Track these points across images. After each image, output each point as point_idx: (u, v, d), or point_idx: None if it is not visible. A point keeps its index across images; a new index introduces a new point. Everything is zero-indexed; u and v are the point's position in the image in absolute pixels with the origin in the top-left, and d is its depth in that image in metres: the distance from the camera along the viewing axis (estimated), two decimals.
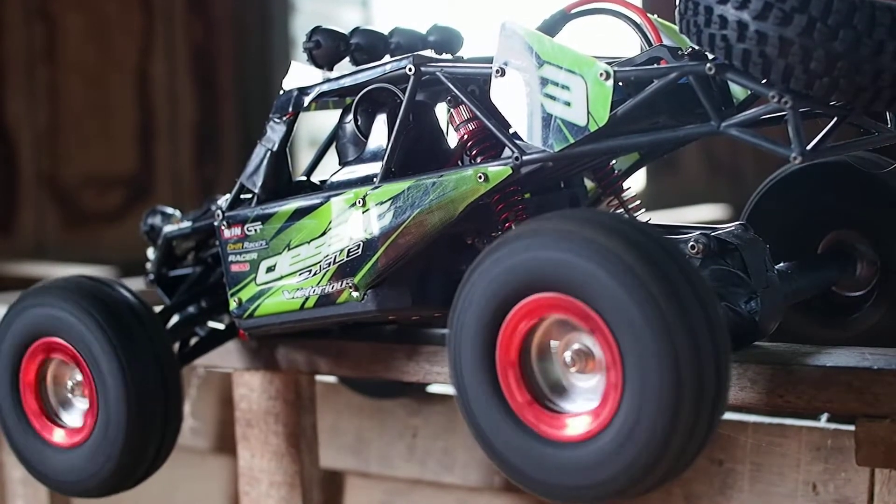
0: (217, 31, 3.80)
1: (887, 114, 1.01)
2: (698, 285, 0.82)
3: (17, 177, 3.39)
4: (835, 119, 0.95)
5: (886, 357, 0.97)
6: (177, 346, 1.27)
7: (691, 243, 1.00)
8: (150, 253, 1.32)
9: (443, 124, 1.12)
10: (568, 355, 0.87)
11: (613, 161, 1.12)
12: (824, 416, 1.15)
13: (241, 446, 1.34)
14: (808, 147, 0.88)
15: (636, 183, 4.01)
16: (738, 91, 1.00)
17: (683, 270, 0.82)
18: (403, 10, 4.20)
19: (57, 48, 3.45)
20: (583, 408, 0.87)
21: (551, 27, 1.07)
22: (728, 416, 1.21)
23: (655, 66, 0.95)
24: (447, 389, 1.36)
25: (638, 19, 1.05)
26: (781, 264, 1.08)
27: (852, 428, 1.01)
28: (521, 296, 0.86)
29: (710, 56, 0.91)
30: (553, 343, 0.89)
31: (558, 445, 0.86)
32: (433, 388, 1.42)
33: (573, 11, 1.08)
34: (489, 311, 0.88)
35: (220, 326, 1.29)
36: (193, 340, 1.30)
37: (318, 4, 3.98)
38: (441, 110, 1.12)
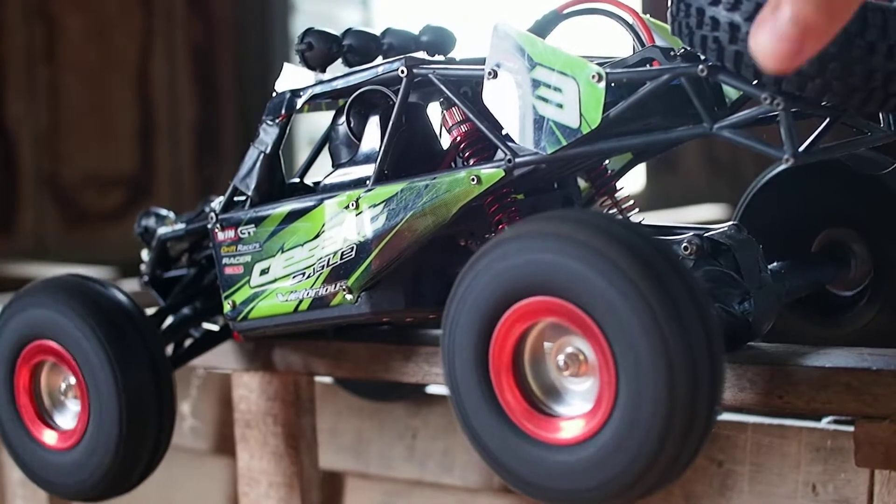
0: (217, 32, 3.80)
1: (880, 114, 1.01)
2: (692, 287, 0.81)
3: (17, 177, 3.40)
4: (827, 120, 0.95)
5: (886, 358, 0.97)
6: (171, 347, 1.26)
7: (684, 244, 1.00)
8: (145, 254, 1.31)
9: (435, 125, 1.12)
10: (561, 358, 0.87)
11: (606, 161, 1.11)
12: (827, 419, 1.15)
13: (240, 447, 1.34)
14: (801, 148, 0.87)
15: (636, 183, 4.01)
16: (731, 91, 1.00)
17: (677, 272, 0.81)
18: (403, 10, 4.20)
19: (57, 48, 3.45)
20: (576, 411, 0.86)
21: (543, 27, 1.06)
22: (728, 416, 1.21)
23: (648, 67, 0.95)
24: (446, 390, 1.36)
25: (630, 20, 1.05)
26: (775, 263, 1.08)
27: (852, 429, 1.00)
28: (515, 299, 0.86)
29: (703, 57, 0.90)
30: (547, 345, 0.88)
31: (552, 449, 0.85)
32: (432, 389, 1.42)
33: (566, 12, 1.07)
34: (483, 313, 0.87)
35: (215, 328, 1.29)
36: (188, 342, 1.29)
37: (318, 5, 3.98)
38: (434, 110, 1.11)
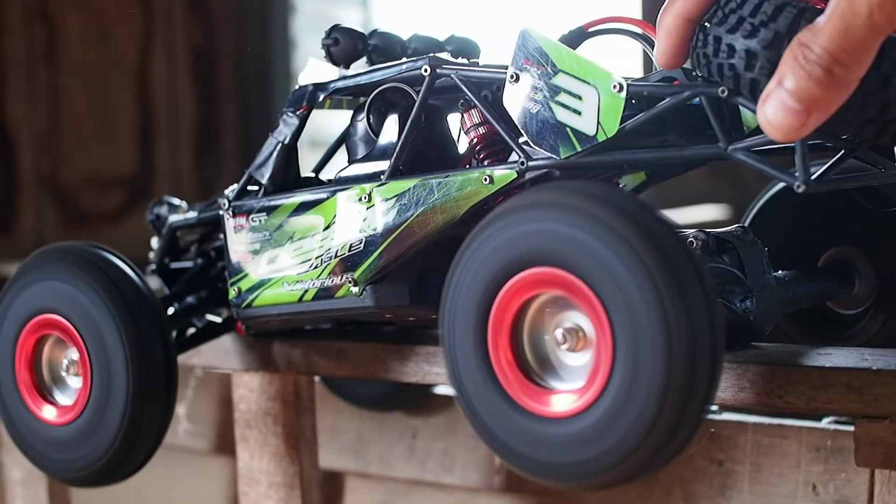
0: (217, 32, 3.80)
1: (895, 151, 1.01)
2: (699, 270, 0.80)
3: (17, 177, 3.39)
4: (842, 151, 0.94)
5: (886, 358, 0.97)
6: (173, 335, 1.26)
7: (689, 239, 1.00)
8: (154, 243, 1.32)
9: (454, 133, 1.12)
10: (560, 332, 0.86)
11: (619, 180, 1.12)
12: (827, 419, 1.15)
13: (240, 447, 1.34)
14: (814, 177, 0.87)
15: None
16: (749, 120, 0.99)
17: (685, 253, 0.81)
18: (404, 11, 4.20)
19: (57, 48, 3.45)
20: (570, 386, 0.86)
21: (568, 44, 1.06)
22: (728, 416, 1.21)
23: (669, 84, 0.95)
24: (447, 390, 1.37)
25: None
26: (780, 272, 1.08)
27: (852, 428, 1.00)
28: (518, 269, 0.86)
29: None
30: (546, 319, 0.88)
31: (542, 421, 0.85)
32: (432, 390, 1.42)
33: (591, 30, 1.07)
34: (486, 281, 0.87)
35: (218, 320, 1.29)
36: (190, 332, 1.29)
37: (318, 5, 3.98)
38: (453, 120, 1.12)
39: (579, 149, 0.93)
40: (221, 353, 1.33)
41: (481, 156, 1.05)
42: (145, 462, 1.16)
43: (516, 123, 0.97)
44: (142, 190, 3.61)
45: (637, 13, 3.55)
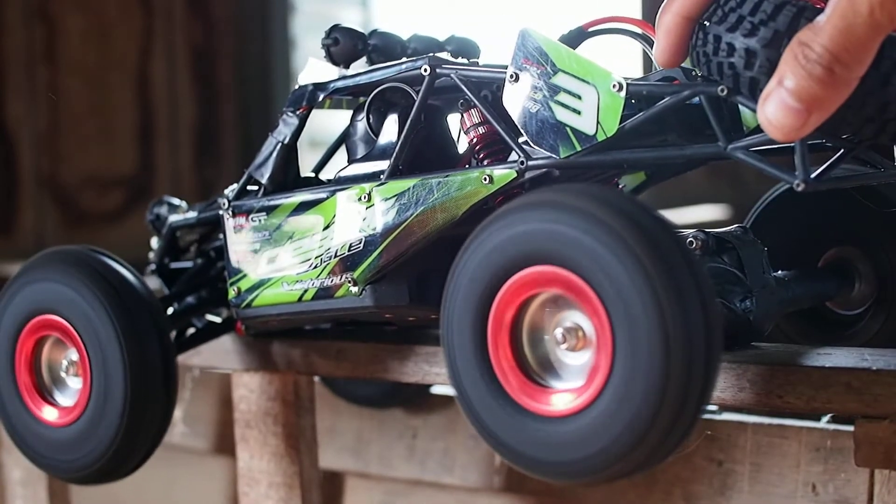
0: (217, 32, 3.80)
1: (895, 151, 1.01)
2: (696, 271, 0.81)
3: (17, 177, 3.39)
4: (841, 150, 0.95)
5: (886, 358, 0.97)
6: (173, 335, 1.26)
7: (689, 239, 1.00)
8: (154, 243, 1.32)
9: (454, 133, 1.12)
10: (559, 332, 0.87)
11: (618, 180, 1.12)
12: (826, 417, 1.15)
13: (240, 447, 1.34)
14: (813, 175, 0.88)
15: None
16: (749, 119, 1.00)
17: (683, 254, 0.81)
18: (404, 11, 4.20)
19: (57, 49, 3.45)
20: (570, 384, 0.86)
21: (567, 44, 1.06)
22: (728, 416, 1.21)
23: (669, 83, 0.95)
24: (447, 390, 1.37)
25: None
26: (780, 272, 1.08)
27: (852, 428, 1.00)
28: (518, 267, 0.86)
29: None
30: (546, 318, 0.88)
31: (542, 420, 0.86)
32: (432, 389, 1.42)
33: (591, 30, 1.07)
34: (485, 279, 0.87)
35: (218, 320, 1.29)
36: (190, 332, 1.29)
37: (318, 5, 3.99)
38: (453, 120, 1.12)
39: (579, 148, 0.94)
40: (221, 353, 1.33)
41: (481, 155, 1.05)
42: (145, 460, 1.17)
43: (516, 123, 0.97)
44: (142, 190, 3.61)
45: (637, 13, 3.55)
